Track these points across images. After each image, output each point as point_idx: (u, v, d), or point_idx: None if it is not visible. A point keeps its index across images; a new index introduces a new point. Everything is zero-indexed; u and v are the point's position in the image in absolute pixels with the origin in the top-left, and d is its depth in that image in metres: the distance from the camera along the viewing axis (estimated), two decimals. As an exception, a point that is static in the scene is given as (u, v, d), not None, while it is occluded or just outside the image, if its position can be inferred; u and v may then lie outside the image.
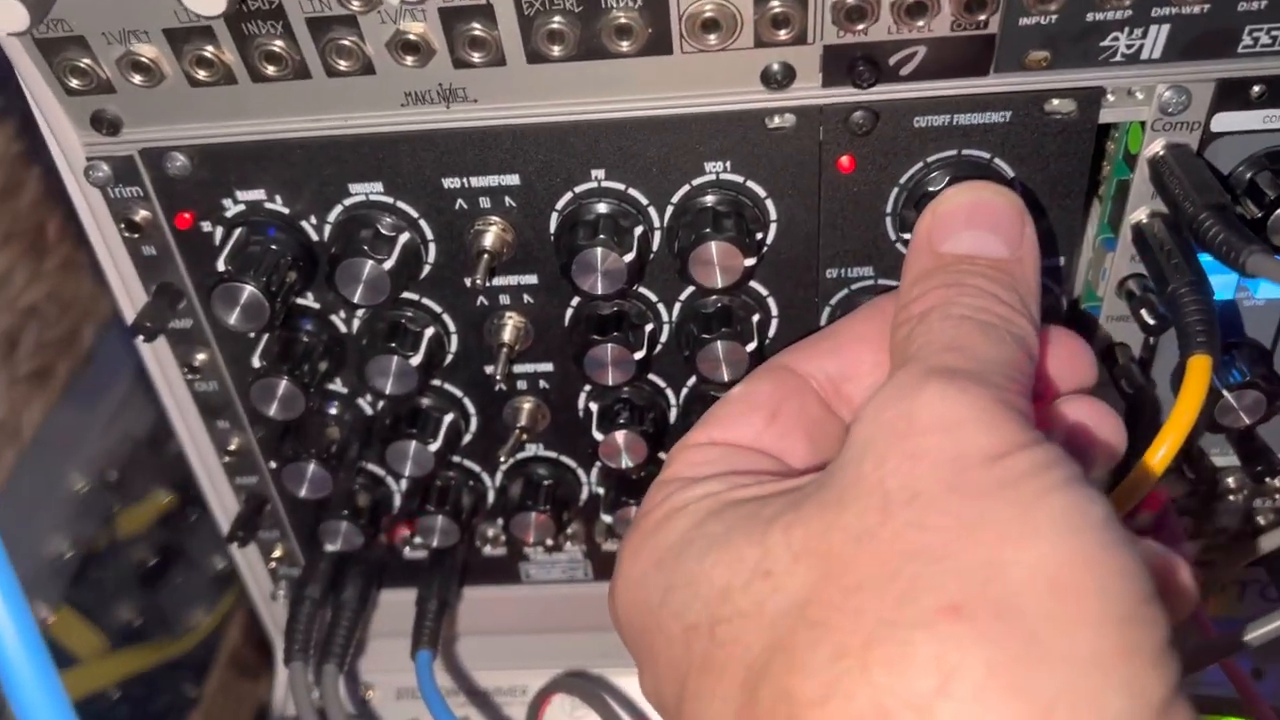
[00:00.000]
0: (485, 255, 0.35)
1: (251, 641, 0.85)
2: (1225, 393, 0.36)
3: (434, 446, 0.39)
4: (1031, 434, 0.24)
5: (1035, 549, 0.21)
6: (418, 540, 0.43)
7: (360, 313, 0.38)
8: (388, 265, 0.35)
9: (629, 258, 0.34)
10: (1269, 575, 0.43)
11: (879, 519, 0.22)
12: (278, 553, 0.45)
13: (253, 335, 0.38)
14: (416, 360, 0.37)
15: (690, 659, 0.24)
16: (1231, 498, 0.42)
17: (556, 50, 0.32)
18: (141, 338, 0.37)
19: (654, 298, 0.37)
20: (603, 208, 0.35)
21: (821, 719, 0.21)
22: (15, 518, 0.80)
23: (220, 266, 0.35)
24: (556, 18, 0.31)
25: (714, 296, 0.37)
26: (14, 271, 0.81)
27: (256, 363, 0.38)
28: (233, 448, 0.42)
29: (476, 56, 0.32)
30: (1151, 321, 0.35)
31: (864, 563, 0.22)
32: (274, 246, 0.35)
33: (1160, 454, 0.30)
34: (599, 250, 0.34)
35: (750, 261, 0.34)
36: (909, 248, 0.30)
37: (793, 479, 0.27)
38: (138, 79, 0.33)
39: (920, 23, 0.31)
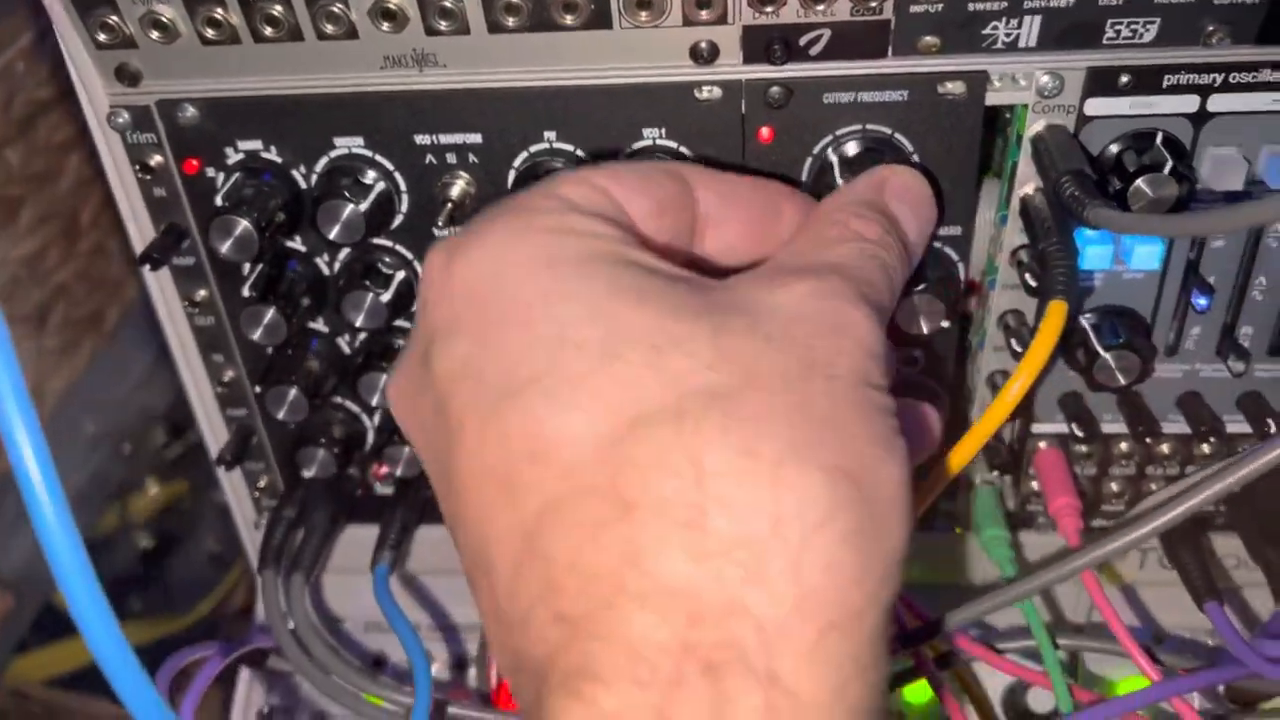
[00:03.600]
0: (449, 204, 0.40)
1: (250, 621, 0.89)
2: (1102, 352, 0.40)
3: (401, 380, 0.44)
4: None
5: None
6: (385, 471, 0.47)
7: (342, 255, 0.43)
8: (363, 207, 0.40)
9: (572, 208, 0.39)
10: (1160, 543, 0.46)
11: (800, 377, 0.25)
12: (262, 483, 0.50)
13: (246, 270, 0.43)
14: (386, 297, 0.42)
15: (579, 364, 0.25)
16: (1125, 463, 0.46)
17: (512, 21, 0.37)
18: (148, 266, 0.42)
19: (600, 252, 0.42)
20: (554, 166, 0.40)
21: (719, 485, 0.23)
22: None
23: (218, 202, 0.40)
24: (513, -8, 0.36)
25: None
26: (48, 251, 0.87)
27: (246, 293, 0.43)
28: (226, 380, 0.47)
29: (444, 25, 0.37)
30: (1033, 284, 0.39)
31: (772, 399, 0.25)
32: (266, 189, 0.40)
33: (1015, 388, 0.35)
34: (545, 199, 0.39)
35: (678, 216, 0.39)
36: (866, 175, 0.35)
37: (687, 271, 0.28)
38: (156, 35, 0.38)
39: (821, 7, 0.35)
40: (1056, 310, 0.34)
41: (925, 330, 0.40)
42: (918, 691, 0.49)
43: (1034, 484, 0.46)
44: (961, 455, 0.36)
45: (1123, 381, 0.40)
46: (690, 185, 0.32)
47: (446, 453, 0.27)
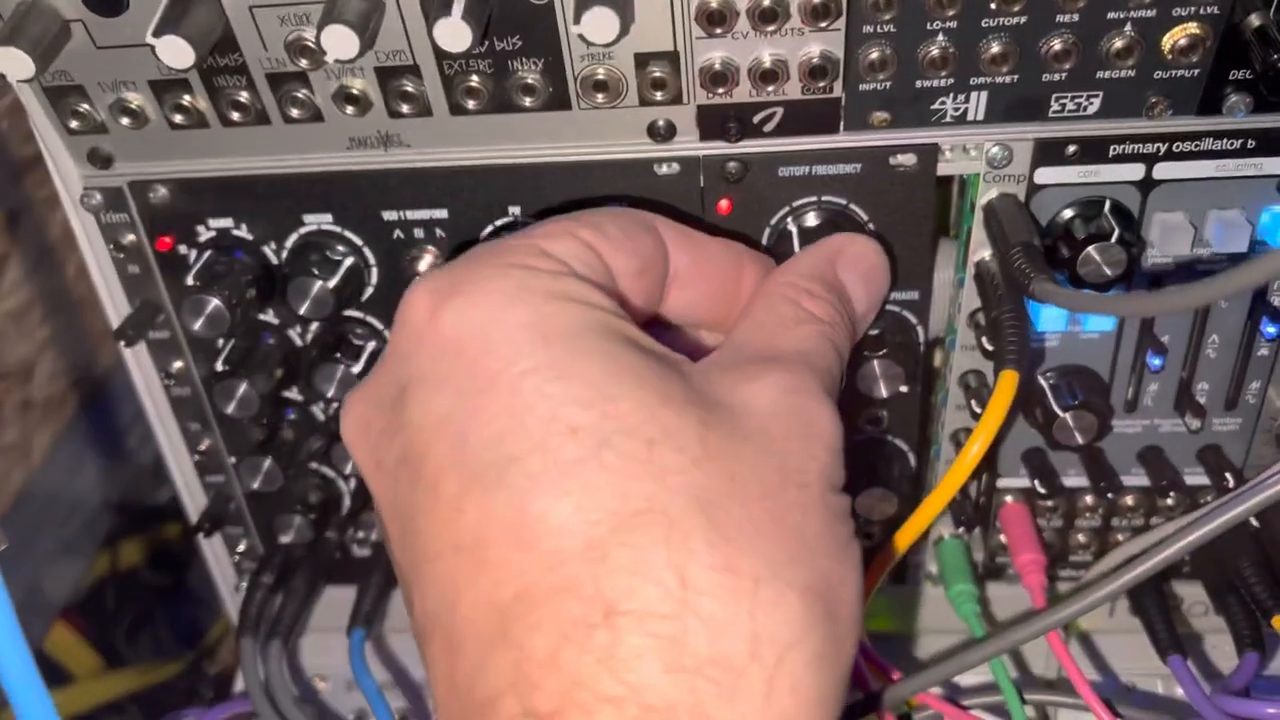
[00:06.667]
0: (419, 278, 0.41)
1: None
2: (1060, 412, 0.41)
3: (374, 448, 0.44)
4: None
5: None
6: (360, 535, 0.48)
7: (314, 328, 0.44)
8: (331, 284, 0.40)
9: (536, 281, 0.40)
10: (1126, 595, 0.46)
11: (777, 485, 0.26)
12: (242, 547, 0.51)
13: (219, 344, 0.44)
14: (357, 369, 0.42)
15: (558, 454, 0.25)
16: (1090, 515, 0.46)
17: (473, 104, 0.38)
18: (123, 343, 0.43)
19: (567, 320, 0.43)
20: (520, 240, 0.41)
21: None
22: (18, 537, 0.86)
23: (189, 281, 0.41)
24: (473, 76, 0.37)
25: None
26: (34, 305, 0.88)
27: (219, 367, 0.44)
28: (203, 448, 0.48)
29: (406, 108, 0.38)
30: (989, 348, 0.40)
31: (751, 510, 0.26)
32: (237, 267, 0.41)
33: (973, 451, 0.35)
34: (510, 274, 0.39)
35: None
36: (822, 244, 0.36)
37: (667, 349, 0.29)
38: (126, 122, 0.39)
39: (772, 88, 0.36)
40: (1007, 380, 0.35)
41: (885, 394, 0.41)
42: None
43: (1002, 537, 0.47)
44: (921, 518, 0.36)
45: (1081, 441, 0.41)
46: (665, 244, 0.33)
47: (410, 507, 0.27)
